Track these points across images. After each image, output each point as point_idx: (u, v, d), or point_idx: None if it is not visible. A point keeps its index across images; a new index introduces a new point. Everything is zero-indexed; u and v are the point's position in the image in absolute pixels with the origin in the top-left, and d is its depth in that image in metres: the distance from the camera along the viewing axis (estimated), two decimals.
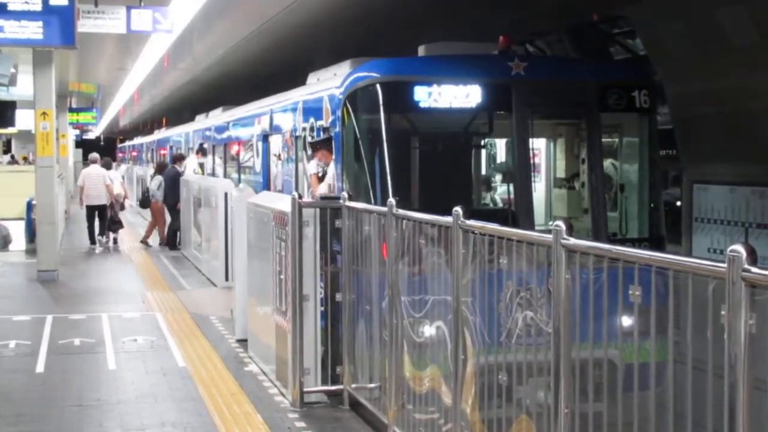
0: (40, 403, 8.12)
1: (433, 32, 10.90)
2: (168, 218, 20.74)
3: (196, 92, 26.22)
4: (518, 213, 8.91)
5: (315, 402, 7.99)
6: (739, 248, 3.24)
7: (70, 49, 15.52)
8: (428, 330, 6.48)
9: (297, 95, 11.68)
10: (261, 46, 15.70)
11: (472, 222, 5.59)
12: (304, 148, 10.82)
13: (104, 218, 20.86)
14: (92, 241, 20.91)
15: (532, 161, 9.32)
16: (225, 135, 18.30)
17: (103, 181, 20.76)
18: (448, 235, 5.76)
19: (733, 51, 9.57)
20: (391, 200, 6.82)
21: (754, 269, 3.19)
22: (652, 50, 11.02)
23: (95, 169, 21.09)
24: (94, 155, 22.15)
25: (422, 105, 8.92)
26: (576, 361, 4.48)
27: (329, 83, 10.07)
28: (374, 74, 9.10)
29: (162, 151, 32.22)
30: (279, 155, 12.86)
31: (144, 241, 21.14)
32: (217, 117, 19.85)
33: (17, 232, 20.17)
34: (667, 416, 3.87)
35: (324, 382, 8.05)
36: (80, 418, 7.65)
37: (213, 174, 19.92)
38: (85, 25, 14.83)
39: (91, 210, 20.92)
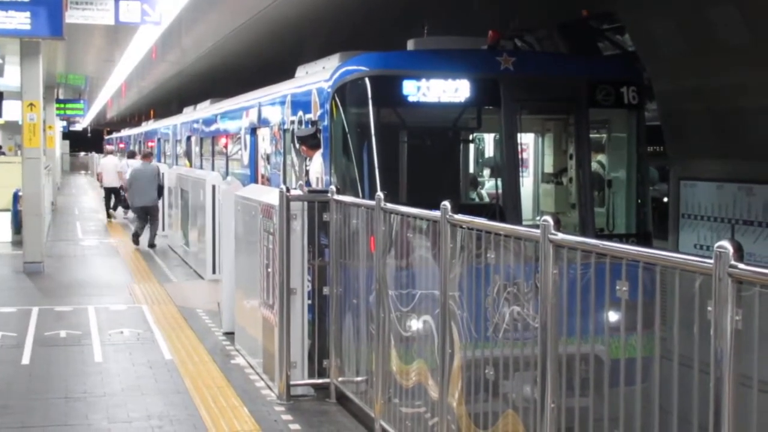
0: (25, 395, 8.09)
1: (422, 27, 10.88)
2: None
3: (184, 84, 26.17)
4: (506, 208, 8.91)
5: (301, 395, 7.99)
6: (726, 244, 3.24)
7: (57, 40, 15.45)
8: (415, 324, 6.48)
9: (285, 88, 11.65)
10: (249, 38, 15.66)
11: (459, 216, 5.60)
12: (292, 141, 10.81)
13: (117, 197, 25.78)
14: (108, 215, 25.91)
15: (520, 156, 9.32)
16: (213, 127, 18.26)
17: (116, 168, 25.62)
18: (436, 229, 5.77)
19: (722, 48, 9.59)
20: (380, 194, 6.81)
21: (740, 265, 3.20)
22: (641, 47, 11.02)
23: (111, 159, 27.12)
24: (110, 147, 30.15)
25: (411, 99, 8.90)
26: (563, 356, 4.49)
27: (318, 76, 10.05)
28: (363, 68, 9.07)
29: (150, 143, 32.12)
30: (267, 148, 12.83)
31: None
32: (206, 109, 19.81)
33: (4, 223, 20.07)
34: (653, 411, 3.88)
35: (311, 375, 8.06)
36: (66, 411, 7.63)
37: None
38: (73, 16, 14.74)
39: (108, 191, 26.33)
